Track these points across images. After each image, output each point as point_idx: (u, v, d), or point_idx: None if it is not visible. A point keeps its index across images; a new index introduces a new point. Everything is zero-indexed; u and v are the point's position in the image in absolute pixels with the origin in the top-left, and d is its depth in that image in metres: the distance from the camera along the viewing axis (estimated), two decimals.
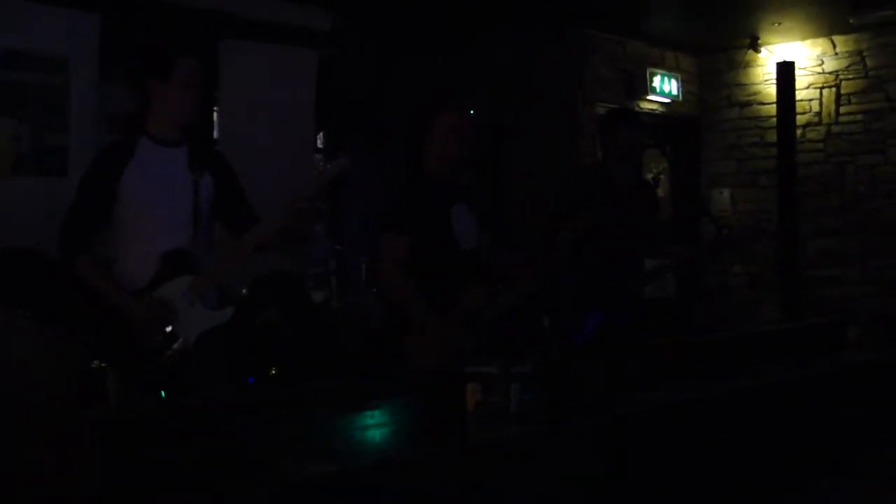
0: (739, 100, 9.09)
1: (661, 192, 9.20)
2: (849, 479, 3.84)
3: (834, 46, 8.55)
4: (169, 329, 3.83)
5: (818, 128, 8.63)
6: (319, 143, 8.85)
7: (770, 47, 8.74)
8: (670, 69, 8.95)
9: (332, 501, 2.42)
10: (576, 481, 2.98)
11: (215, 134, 7.47)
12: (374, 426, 3.07)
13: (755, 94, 8.98)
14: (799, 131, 8.35)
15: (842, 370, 4.57)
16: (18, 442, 2.57)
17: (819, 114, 8.62)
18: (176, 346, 3.82)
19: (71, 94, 6.19)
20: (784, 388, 4.02)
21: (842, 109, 8.55)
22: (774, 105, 8.35)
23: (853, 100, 8.50)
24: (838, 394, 4.26)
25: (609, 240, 4.81)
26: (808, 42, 8.60)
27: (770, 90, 8.67)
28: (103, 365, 4.27)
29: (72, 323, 4.91)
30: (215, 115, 7.49)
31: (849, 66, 8.50)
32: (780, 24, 8.20)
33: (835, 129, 8.57)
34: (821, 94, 8.61)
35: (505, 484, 2.82)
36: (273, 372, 6.08)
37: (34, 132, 6.05)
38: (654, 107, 8.83)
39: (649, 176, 9.09)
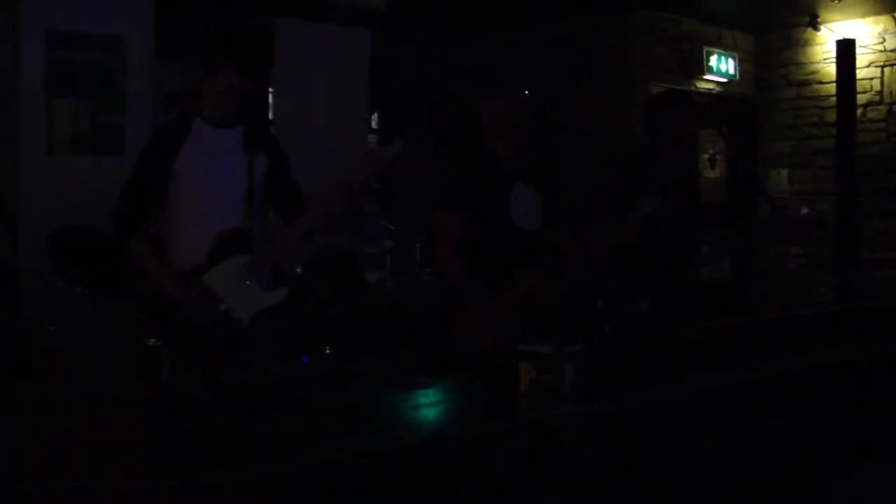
0: (797, 79, 8.97)
1: (717, 172, 9.12)
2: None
3: None
4: (221, 308, 3.86)
5: (879, 107, 8.48)
6: (374, 124, 8.87)
7: (829, 25, 8.61)
8: (727, 48, 8.84)
9: (383, 477, 2.42)
10: (627, 459, 2.97)
11: (270, 114, 7.50)
12: (426, 404, 3.07)
13: (814, 72, 8.85)
14: (859, 110, 8.22)
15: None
16: (78, 414, 2.60)
17: (880, 92, 8.47)
18: (227, 326, 3.85)
19: (127, 73, 6.24)
20: (831, 370, 3.97)
21: None
22: (833, 84, 8.23)
23: None
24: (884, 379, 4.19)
25: (660, 221, 4.76)
26: (869, 19, 8.45)
27: (829, 69, 8.54)
28: (159, 343, 4.31)
29: (128, 300, 4.96)
30: (270, 94, 7.53)
31: None
32: (839, 0, 8.07)
33: None
34: (882, 72, 8.45)
35: (556, 462, 2.81)
36: (327, 350, 6.10)
37: (91, 111, 6.11)
38: (711, 86, 8.74)
39: (706, 156, 9.02)
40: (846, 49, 7.98)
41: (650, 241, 4.62)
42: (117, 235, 3.93)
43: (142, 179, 3.93)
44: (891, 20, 8.39)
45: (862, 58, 8.25)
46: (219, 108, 3.94)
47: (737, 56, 8.91)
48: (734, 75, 8.88)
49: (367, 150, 7.45)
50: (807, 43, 8.85)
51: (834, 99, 8.21)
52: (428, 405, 3.07)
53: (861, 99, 8.27)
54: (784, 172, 9.02)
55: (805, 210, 7.95)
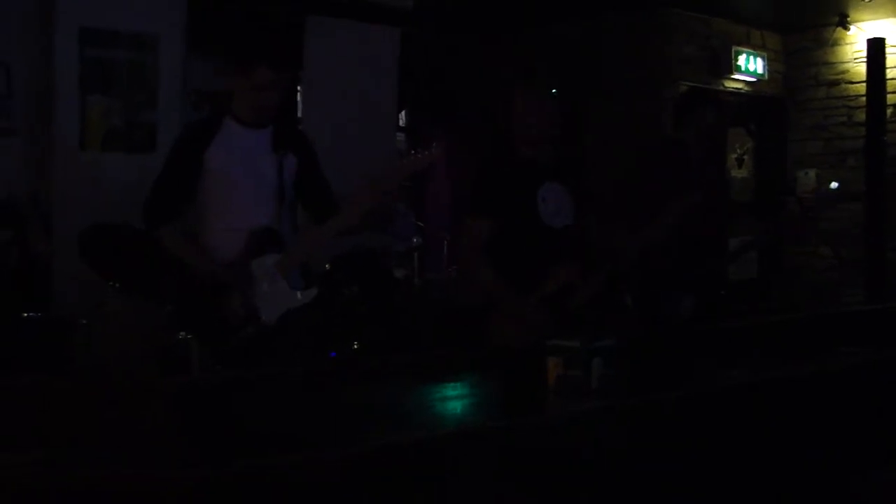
0: (827, 79, 8.92)
1: (745, 171, 9.10)
2: None
3: None
4: (251, 303, 3.88)
5: None
6: (401, 122, 8.90)
7: (859, 24, 8.56)
8: (756, 47, 8.81)
9: (413, 468, 2.45)
10: (653, 456, 2.98)
11: (299, 111, 7.55)
12: (455, 398, 3.10)
13: (844, 72, 8.80)
14: (889, 110, 8.17)
15: None
16: (110, 405, 2.64)
17: None
18: (256, 322, 3.88)
19: (159, 71, 6.31)
20: (857, 371, 3.96)
21: None
22: (863, 84, 8.18)
23: None
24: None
25: (692, 218, 4.77)
26: None
27: (859, 69, 8.49)
28: (189, 336, 4.35)
29: (159, 295, 5.02)
30: (299, 92, 7.58)
31: None
32: (869, 0, 8.03)
33: None
34: None
35: (583, 457, 2.83)
36: (355, 346, 6.14)
37: (124, 108, 6.18)
38: (740, 86, 8.71)
39: (733, 156, 8.99)
40: (877, 48, 7.93)
41: (679, 238, 4.64)
42: (147, 228, 3.96)
43: (172, 174, 3.97)
44: None
45: (892, 57, 8.19)
46: (253, 105, 3.96)
47: (766, 55, 8.87)
48: (763, 75, 8.85)
49: (404, 154, 7.49)
50: (836, 42, 8.81)
51: (863, 99, 8.16)
52: (455, 398, 3.10)
53: (891, 99, 8.21)
54: (813, 173, 8.98)
55: (835, 184, 7.94)
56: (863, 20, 8.51)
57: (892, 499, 3.59)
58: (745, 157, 9.13)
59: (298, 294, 3.97)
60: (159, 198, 3.96)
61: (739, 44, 8.65)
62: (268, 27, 6.86)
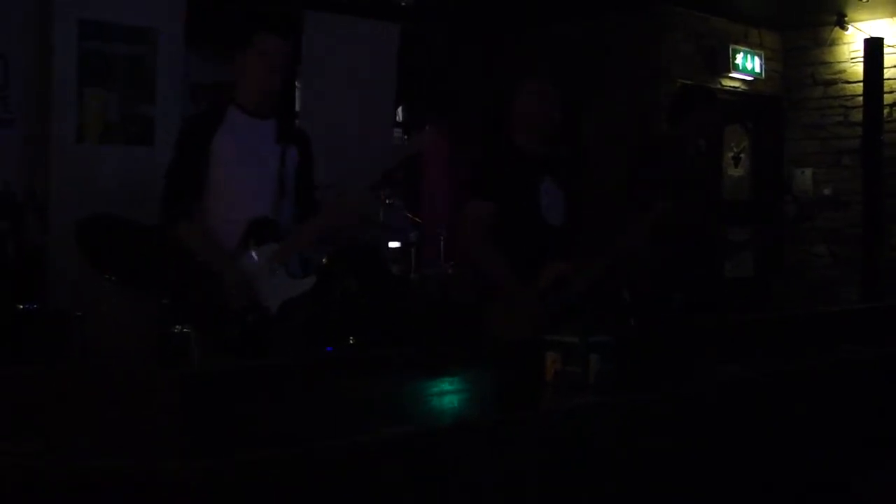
0: (824, 78, 8.93)
1: (742, 170, 9.11)
2: None
3: None
4: (252, 292, 3.89)
5: None
6: (398, 118, 8.89)
7: (857, 24, 8.57)
8: (753, 46, 8.82)
9: (408, 462, 2.45)
10: (650, 451, 2.98)
11: (296, 106, 7.55)
12: (452, 392, 3.10)
13: (841, 72, 8.81)
14: (885, 110, 8.18)
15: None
16: (110, 397, 2.64)
17: None
18: (258, 313, 3.88)
19: (158, 64, 6.30)
20: (853, 367, 3.97)
21: None
22: (860, 84, 8.20)
23: None
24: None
25: (685, 214, 4.77)
26: None
27: (856, 68, 8.51)
28: (186, 329, 4.35)
29: (156, 287, 5.01)
30: (297, 87, 7.57)
31: None
32: (867, 0, 8.04)
33: None
34: None
35: (580, 452, 2.83)
36: (351, 341, 6.14)
37: (121, 101, 6.18)
38: (737, 84, 8.71)
39: (730, 154, 9.00)
40: (874, 48, 7.95)
41: (671, 236, 4.65)
42: (168, 222, 3.95)
43: (184, 167, 3.94)
44: None
45: (889, 57, 8.21)
46: (260, 83, 3.96)
47: (763, 54, 8.88)
48: (760, 73, 8.85)
49: (393, 143, 7.50)
50: (834, 42, 8.82)
51: (860, 98, 8.18)
52: (452, 393, 3.10)
53: (888, 99, 8.23)
54: (809, 172, 8.99)
55: (827, 191, 7.96)
56: (860, 20, 8.52)
57: (892, 499, 3.60)
58: (742, 155, 9.14)
59: (297, 283, 3.98)
60: (175, 192, 3.94)
61: (737, 42, 8.66)
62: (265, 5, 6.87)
